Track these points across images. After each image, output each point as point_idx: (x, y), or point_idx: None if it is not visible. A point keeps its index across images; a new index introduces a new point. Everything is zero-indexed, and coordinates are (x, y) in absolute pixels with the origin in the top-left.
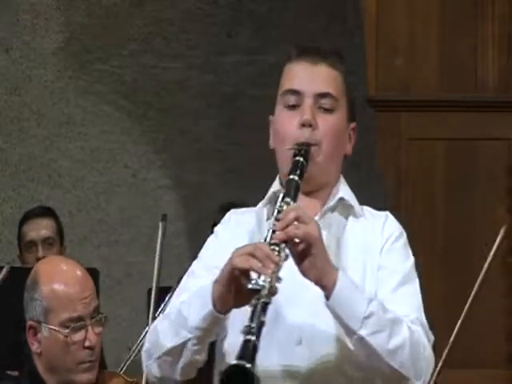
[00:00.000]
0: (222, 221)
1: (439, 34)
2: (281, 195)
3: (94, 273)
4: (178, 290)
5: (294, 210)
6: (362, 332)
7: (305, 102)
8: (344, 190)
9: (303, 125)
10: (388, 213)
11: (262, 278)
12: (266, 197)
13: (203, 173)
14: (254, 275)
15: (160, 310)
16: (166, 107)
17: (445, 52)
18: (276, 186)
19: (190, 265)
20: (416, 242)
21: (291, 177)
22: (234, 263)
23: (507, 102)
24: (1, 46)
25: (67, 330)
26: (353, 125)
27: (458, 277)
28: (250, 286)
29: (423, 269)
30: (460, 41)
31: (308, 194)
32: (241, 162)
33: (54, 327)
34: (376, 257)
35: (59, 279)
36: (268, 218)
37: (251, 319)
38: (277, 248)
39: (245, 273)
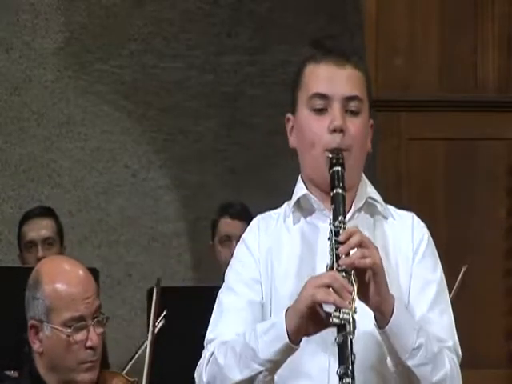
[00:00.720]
0: (250, 228)
1: (439, 34)
2: (331, 214)
3: (94, 273)
4: (219, 306)
5: (357, 235)
6: (409, 363)
7: (334, 106)
8: (371, 190)
9: (334, 130)
10: (413, 214)
11: (343, 310)
12: (293, 201)
13: (203, 173)
14: (329, 307)
15: (163, 314)
16: (166, 107)
17: (445, 52)
18: (301, 189)
19: (190, 265)
20: None
21: (337, 191)
22: (314, 297)
23: (507, 102)
24: (1, 46)
25: (69, 330)
26: (371, 121)
27: (457, 277)
28: (335, 320)
29: None
30: (460, 41)
31: None
32: (241, 162)
33: (56, 326)
34: (408, 260)
35: (62, 278)
36: (294, 223)
37: (341, 359)
38: (347, 275)
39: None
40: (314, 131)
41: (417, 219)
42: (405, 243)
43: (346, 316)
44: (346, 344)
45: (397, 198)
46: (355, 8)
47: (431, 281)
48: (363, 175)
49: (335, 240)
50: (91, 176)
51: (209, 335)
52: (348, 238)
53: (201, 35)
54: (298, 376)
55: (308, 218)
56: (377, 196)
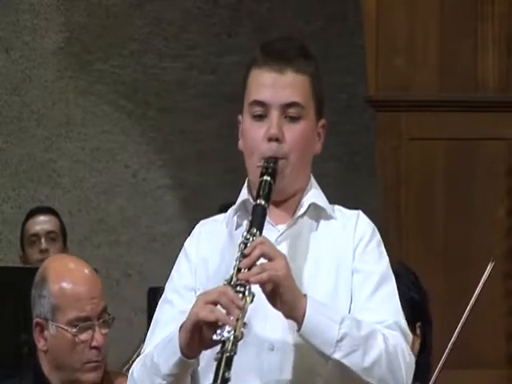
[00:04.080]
0: (191, 235)
1: (439, 34)
2: (246, 223)
3: None
4: (154, 318)
5: (259, 247)
6: (336, 355)
7: (271, 114)
8: (314, 194)
9: (270, 139)
10: (360, 212)
11: (227, 328)
12: (236, 205)
13: (203, 173)
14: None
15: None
16: (165, 107)
17: (445, 52)
18: (244, 194)
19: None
20: (416, 242)
21: (258, 202)
22: (198, 316)
23: (507, 102)
24: (1, 46)
25: (75, 330)
26: (322, 122)
27: (457, 277)
28: (214, 337)
29: (423, 269)
30: (460, 41)
31: (278, 203)
32: (241, 162)
33: (61, 325)
34: (349, 259)
35: (68, 277)
36: (237, 228)
37: (216, 376)
38: (242, 289)
39: (210, 323)
40: (252, 139)
41: (362, 216)
42: (346, 242)
43: (226, 334)
44: (220, 362)
45: (396, 197)
46: (355, 8)
47: (372, 272)
48: (312, 179)
49: (241, 253)
50: (91, 176)
51: (143, 351)
52: (252, 251)
53: (201, 35)
54: (236, 379)
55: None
56: (321, 201)
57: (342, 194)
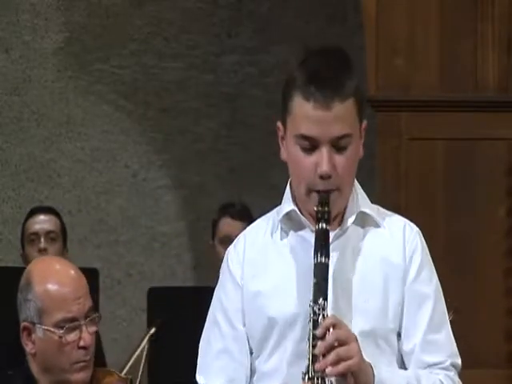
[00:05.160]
0: (234, 247)
1: (439, 34)
2: (312, 295)
3: (94, 273)
4: (206, 343)
5: (334, 333)
6: None
7: (322, 149)
8: (361, 201)
9: (322, 177)
10: (406, 221)
11: None
12: (281, 216)
13: (203, 173)
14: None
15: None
16: (165, 107)
17: (445, 52)
18: (290, 204)
19: (190, 265)
20: None
21: (320, 260)
22: None
23: (507, 102)
24: (1, 46)
25: (61, 331)
26: (364, 124)
27: (457, 277)
28: None
29: None
30: (460, 41)
31: None
32: (241, 162)
33: (48, 328)
34: (399, 271)
35: (53, 279)
36: (282, 238)
37: None
38: (321, 382)
39: None
40: (301, 167)
41: (409, 227)
42: (396, 254)
43: None
44: None
45: (396, 197)
46: (355, 8)
47: (427, 295)
48: (356, 185)
49: (313, 334)
50: (91, 176)
51: (199, 378)
52: (325, 333)
53: (201, 35)
54: None
55: (297, 232)
56: (369, 208)
57: None
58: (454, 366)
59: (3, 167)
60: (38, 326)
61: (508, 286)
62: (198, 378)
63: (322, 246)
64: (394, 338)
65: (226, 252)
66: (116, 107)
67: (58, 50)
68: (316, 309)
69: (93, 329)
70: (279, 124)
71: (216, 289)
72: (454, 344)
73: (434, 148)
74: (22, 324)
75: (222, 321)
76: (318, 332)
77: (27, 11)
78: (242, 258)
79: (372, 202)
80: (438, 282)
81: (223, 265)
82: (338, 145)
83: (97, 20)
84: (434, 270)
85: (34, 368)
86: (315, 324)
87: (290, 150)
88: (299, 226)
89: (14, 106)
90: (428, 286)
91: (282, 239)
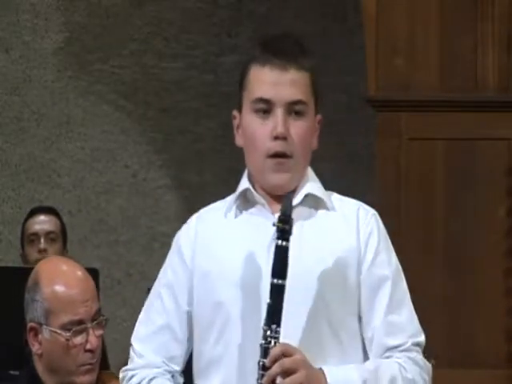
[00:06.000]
0: (187, 232)
1: (439, 34)
2: (265, 317)
3: (94, 273)
4: (146, 311)
5: (279, 364)
6: None
7: (276, 112)
8: (310, 186)
9: (277, 137)
10: (361, 204)
11: None
12: (236, 194)
13: (203, 173)
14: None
15: None
16: (165, 107)
17: (445, 52)
18: (245, 183)
19: None
20: (416, 242)
21: (275, 281)
22: None
23: (507, 102)
24: (1, 46)
25: (68, 334)
26: (318, 117)
27: (457, 277)
28: None
29: (423, 269)
30: (460, 41)
31: (278, 196)
32: (241, 161)
33: (54, 330)
34: (354, 254)
35: (60, 280)
36: (236, 216)
37: None
38: None
39: None
40: (256, 136)
41: (363, 210)
42: (349, 237)
43: None
44: None
45: (396, 197)
46: (355, 8)
47: (386, 277)
48: (310, 171)
49: (262, 362)
50: (91, 176)
51: (136, 346)
52: (273, 362)
53: (201, 35)
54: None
55: (250, 212)
56: (318, 191)
57: (341, 194)
58: (416, 345)
59: (3, 167)
60: (45, 327)
61: (508, 286)
62: (135, 344)
63: (279, 265)
64: (356, 324)
65: (179, 231)
66: (116, 107)
67: (57, 50)
68: (268, 334)
69: (99, 332)
70: (234, 113)
71: (164, 265)
72: (416, 322)
73: (434, 148)
74: (29, 324)
75: (166, 296)
76: (267, 362)
77: (27, 11)
78: (193, 239)
79: (372, 202)
80: (398, 264)
81: (174, 243)
82: (293, 109)
83: (97, 20)
84: (394, 252)
85: (40, 368)
86: (266, 351)
87: (246, 124)
88: (253, 205)
89: (13, 105)
90: (386, 268)
91: (236, 217)
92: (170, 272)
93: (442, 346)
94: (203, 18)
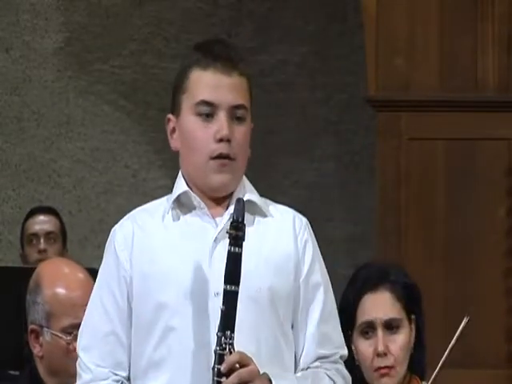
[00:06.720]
0: (121, 231)
1: (439, 34)
2: (220, 323)
3: (94, 273)
4: (88, 319)
5: (237, 374)
6: None
7: (220, 115)
8: (249, 191)
9: (221, 140)
10: (295, 213)
11: None
12: (173, 197)
13: None
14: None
15: None
16: (166, 107)
17: (445, 52)
18: (182, 186)
19: None
20: (415, 242)
21: (228, 288)
22: None
23: (507, 102)
24: (1, 46)
25: (69, 337)
26: (252, 125)
27: (457, 277)
28: None
29: (423, 269)
30: (460, 41)
31: (217, 198)
32: None
33: (55, 333)
34: (290, 261)
35: (62, 283)
36: (174, 220)
37: None
38: None
39: None
40: (199, 139)
41: (298, 219)
42: (287, 244)
43: None
44: None
45: (396, 197)
46: (355, 8)
47: (319, 284)
48: (245, 179)
49: (217, 369)
50: (91, 176)
51: (83, 356)
52: (229, 370)
53: (201, 35)
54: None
55: (188, 215)
56: (254, 197)
57: (341, 194)
58: (342, 357)
59: (3, 167)
60: (46, 329)
61: (508, 286)
62: (81, 354)
63: (233, 271)
64: (290, 330)
65: (112, 232)
66: (116, 107)
67: (58, 50)
68: (223, 341)
69: None
70: (169, 116)
71: (101, 268)
72: (341, 334)
73: (434, 148)
74: (30, 326)
75: (108, 303)
76: (223, 368)
77: (27, 11)
78: (130, 242)
79: (371, 202)
80: (327, 273)
81: (108, 246)
82: (235, 114)
83: (97, 20)
84: (320, 256)
85: (41, 370)
86: (220, 358)
87: (186, 127)
88: (190, 209)
89: (13, 105)
90: (319, 276)
91: (174, 221)
92: (109, 278)
93: (441, 346)
94: (203, 18)
